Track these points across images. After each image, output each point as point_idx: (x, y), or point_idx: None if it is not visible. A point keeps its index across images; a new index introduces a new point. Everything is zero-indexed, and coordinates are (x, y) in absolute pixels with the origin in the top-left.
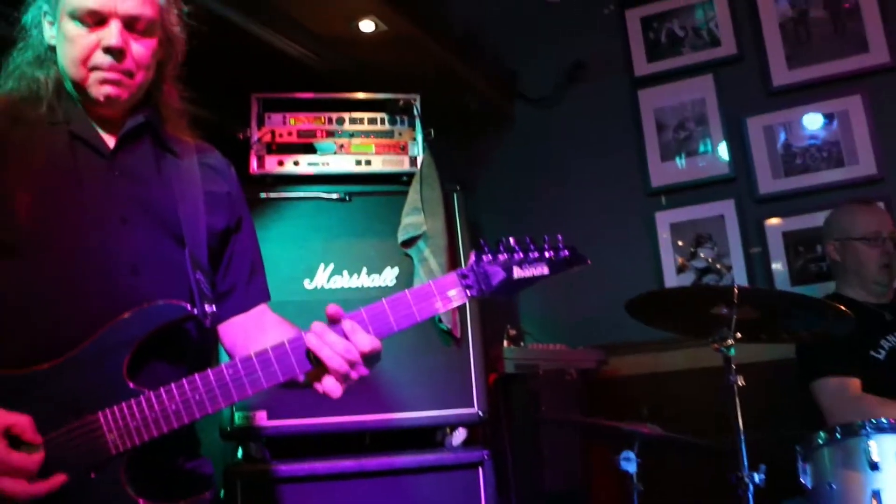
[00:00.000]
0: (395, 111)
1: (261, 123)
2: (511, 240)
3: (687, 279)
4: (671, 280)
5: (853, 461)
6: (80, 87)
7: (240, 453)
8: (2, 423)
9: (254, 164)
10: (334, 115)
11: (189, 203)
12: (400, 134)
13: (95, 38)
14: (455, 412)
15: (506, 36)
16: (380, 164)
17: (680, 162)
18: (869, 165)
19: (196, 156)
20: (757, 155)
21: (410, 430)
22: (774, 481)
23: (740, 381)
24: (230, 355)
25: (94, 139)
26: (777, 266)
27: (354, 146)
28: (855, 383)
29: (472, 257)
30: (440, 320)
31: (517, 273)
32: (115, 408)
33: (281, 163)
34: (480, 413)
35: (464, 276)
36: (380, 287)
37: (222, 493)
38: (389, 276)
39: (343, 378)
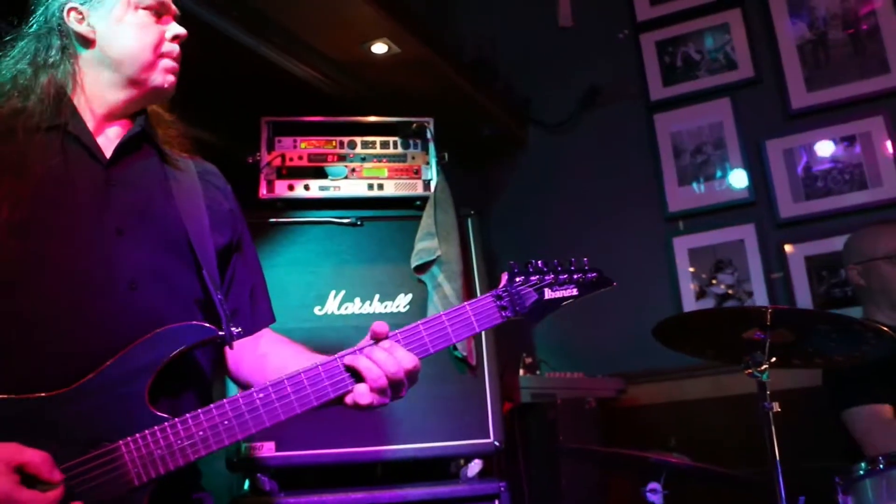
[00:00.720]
0: (408, 134)
1: (270, 147)
2: (539, 262)
3: (706, 306)
4: (690, 307)
5: None
6: (144, 71)
7: (246, 485)
8: (16, 459)
9: (263, 188)
10: (346, 139)
11: (195, 219)
12: (413, 158)
13: (161, 28)
14: (470, 443)
15: (519, 60)
16: (392, 189)
17: (698, 186)
18: (893, 187)
19: (195, 171)
20: (777, 178)
21: (424, 462)
22: None
23: (776, 408)
24: (234, 379)
25: (91, 144)
26: (800, 292)
27: (366, 170)
28: (887, 410)
29: (504, 278)
30: (455, 348)
31: (548, 294)
32: (138, 435)
33: (291, 187)
34: (497, 443)
35: (499, 297)
36: (392, 313)
37: None
38: (402, 302)
39: (381, 394)
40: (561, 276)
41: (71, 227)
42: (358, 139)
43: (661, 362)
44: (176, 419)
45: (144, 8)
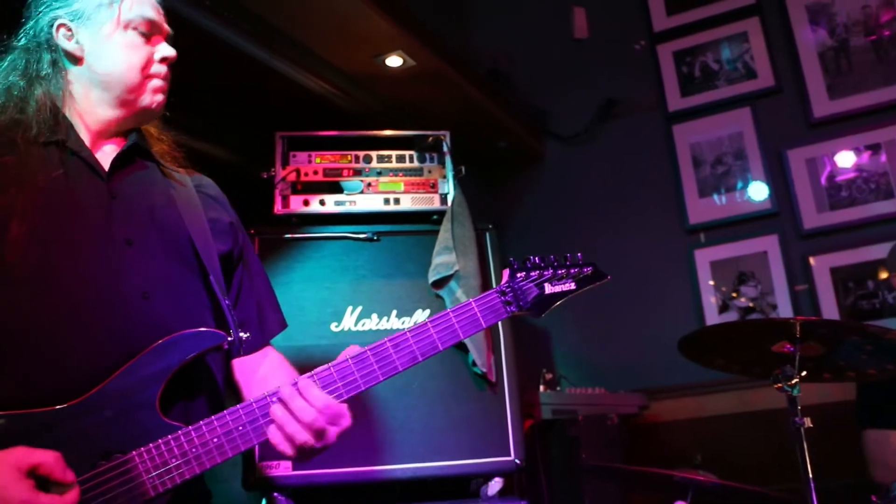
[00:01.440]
0: (425, 148)
1: (285, 162)
2: (537, 258)
3: (729, 319)
4: (713, 320)
5: None
6: (132, 92)
7: None
8: (26, 463)
9: (278, 203)
10: (361, 153)
11: (198, 228)
12: (429, 171)
13: (150, 49)
14: (490, 461)
15: (536, 73)
16: (409, 203)
17: (719, 198)
18: None
19: (192, 183)
20: (800, 189)
21: (443, 480)
22: None
23: (808, 423)
24: (237, 391)
25: (90, 157)
26: (826, 304)
27: (382, 184)
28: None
29: (506, 275)
30: (474, 364)
31: (548, 289)
32: (151, 445)
33: (306, 202)
34: (517, 461)
35: (503, 293)
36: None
37: None
38: (420, 317)
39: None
40: (559, 271)
41: (80, 238)
42: (373, 153)
43: (683, 377)
44: (189, 427)
45: (134, 28)
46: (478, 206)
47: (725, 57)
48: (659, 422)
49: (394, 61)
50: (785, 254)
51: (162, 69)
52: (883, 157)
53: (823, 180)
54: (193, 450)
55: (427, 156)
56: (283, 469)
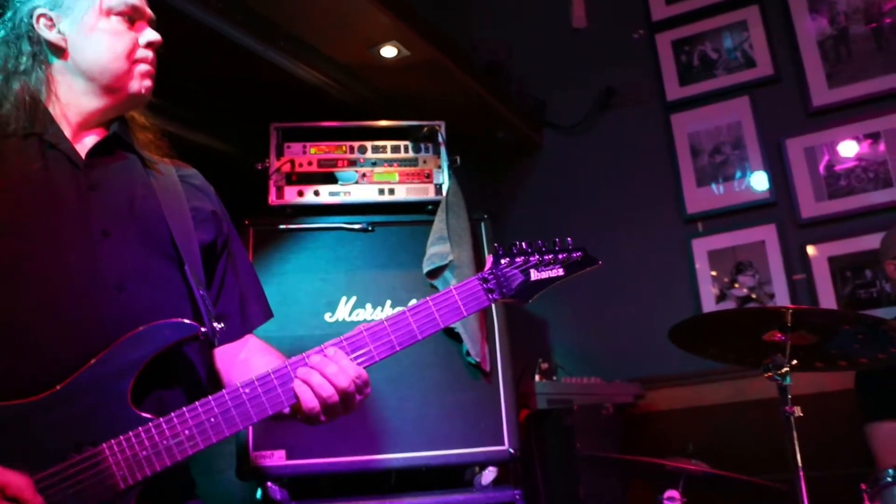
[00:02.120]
0: (420, 139)
1: (280, 153)
2: (524, 243)
3: (727, 308)
4: (710, 310)
5: None
6: (119, 80)
7: (258, 494)
8: None
9: (273, 194)
10: (356, 144)
11: (178, 218)
12: (424, 162)
13: (135, 35)
14: (485, 450)
15: (533, 63)
16: (404, 193)
17: (717, 187)
18: None
19: (175, 173)
20: (798, 178)
21: (438, 470)
22: None
23: (798, 412)
24: (219, 379)
25: (69, 149)
26: (824, 293)
27: (377, 175)
28: None
29: (490, 261)
30: (468, 353)
31: (535, 276)
32: (122, 438)
33: (301, 193)
34: (512, 450)
35: (485, 280)
36: None
37: None
38: None
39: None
40: (546, 257)
41: (56, 229)
42: (368, 144)
43: (679, 367)
44: (161, 419)
45: (117, 14)
46: (475, 197)
47: (724, 46)
48: (655, 411)
49: (389, 52)
50: (783, 243)
51: (148, 54)
52: (882, 146)
53: (822, 169)
54: (164, 441)
55: (422, 146)
56: (276, 459)
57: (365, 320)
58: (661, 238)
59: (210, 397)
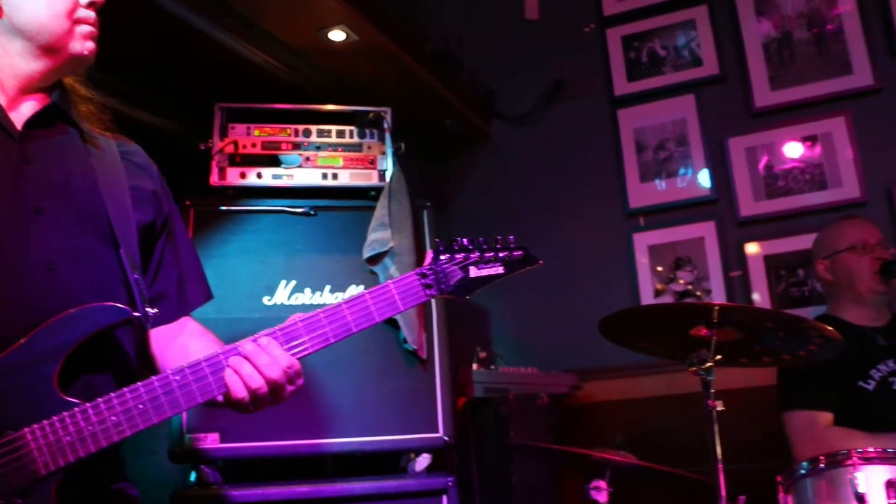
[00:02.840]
0: (365, 124)
1: (223, 134)
2: (465, 240)
3: (665, 303)
4: (648, 303)
5: (838, 493)
6: (59, 40)
7: (192, 477)
8: None
9: (215, 175)
10: (301, 127)
11: (115, 197)
12: (369, 148)
13: None
14: (419, 437)
15: (484, 53)
16: (347, 178)
17: (659, 183)
18: (853, 188)
19: (117, 149)
20: (738, 177)
21: (375, 456)
22: None
23: (719, 406)
24: (153, 363)
25: (3, 118)
26: (759, 290)
27: (321, 159)
28: (826, 418)
29: (429, 256)
30: (405, 341)
31: (474, 273)
32: (45, 422)
33: (243, 175)
34: (446, 438)
35: (423, 276)
36: None
37: None
38: (354, 293)
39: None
40: (486, 254)
41: None
42: (313, 128)
43: (617, 359)
44: (87, 404)
45: None
46: (420, 185)
47: (673, 44)
48: (591, 402)
49: (337, 35)
50: (721, 240)
51: (90, 14)
52: (819, 149)
53: (762, 169)
54: (90, 427)
55: (367, 132)
56: (211, 441)
57: (304, 304)
58: (604, 231)
59: (139, 384)
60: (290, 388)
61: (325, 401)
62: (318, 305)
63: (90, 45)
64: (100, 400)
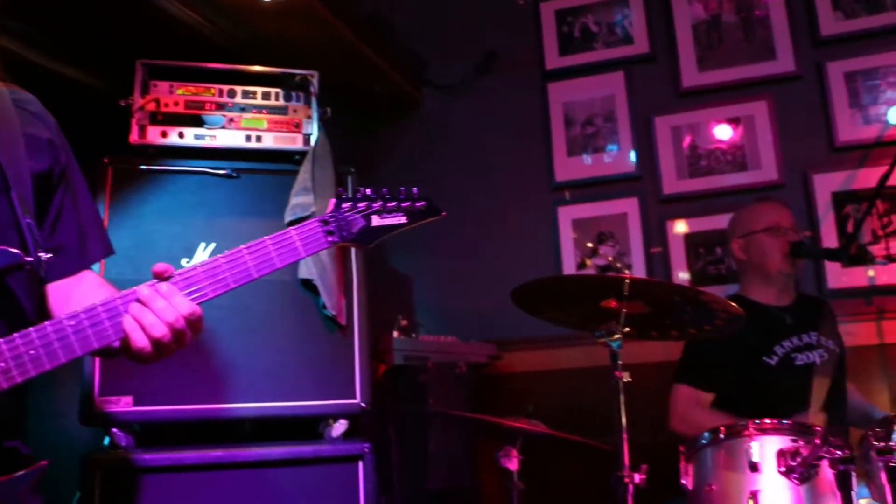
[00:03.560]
0: (291, 87)
1: (145, 91)
2: (369, 190)
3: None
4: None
5: (734, 462)
6: None
7: (106, 441)
8: None
9: (135, 133)
10: (225, 88)
11: (6, 142)
12: (294, 111)
13: None
14: (336, 403)
15: (417, 21)
16: (271, 141)
17: (586, 158)
18: (771, 170)
19: (10, 97)
20: (663, 155)
21: (295, 422)
22: (658, 483)
23: (626, 378)
24: (50, 317)
25: None
26: (678, 267)
27: (245, 121)
28: (705, 398)
29: (332, 204)
30: (324, 306)
31: (376, 221)
32: None
33: (164, 134)
34: (362, 404)
35: (325, 223)
36: None
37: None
38: None
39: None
40: (389, 204)
41: None
42: (238, 88)
43: (537, 331)
44: None
45: None
46: (349, 150)
47: (605, 20)
48: (510, 372)
49: None
50: (644, 216)
51: None
52: (741, 131)
53: (686, 148)
54: None
55: (293, 95)
56: (123, 405)
57: None
58: (529, 204)
59: (31, 329)
60: (190, 334)
61: (242, 365)
62: None
63: None
64: None
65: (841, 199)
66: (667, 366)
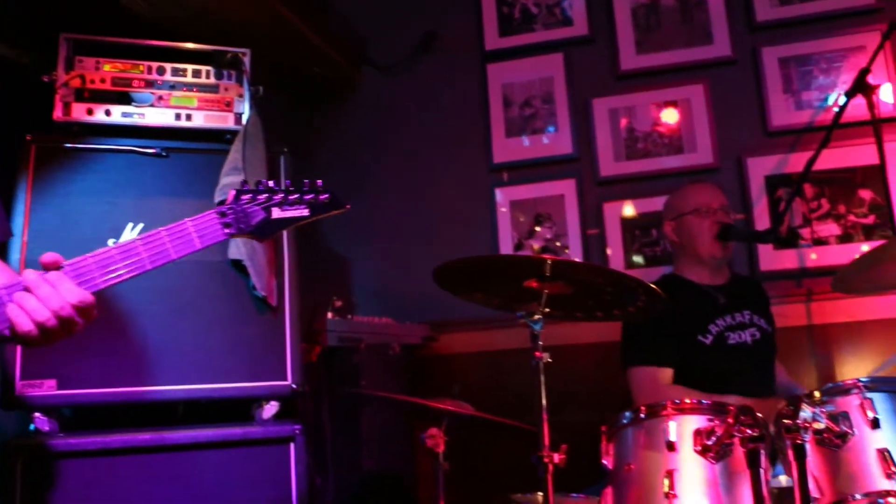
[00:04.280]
0: (223, 65)
1: (70, 67)
2: (271, 182)
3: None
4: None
5: (653, 441)
6: None
7: (32, 427)
8: None
9: (59, 110)
10: (155, 65)
11: None
12: (226, 90)
13: None
14: (267, 384)
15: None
16: (202, 120)
17: (524, 139)
18: (706, 154)
19: None
20: (601, 137)
21: (228, 404)
22: (581, 463)
23: (546, 358)
24: None
25: None
26: (614, 249)
27: (175, 99)
28: (666, 374)
29: (231, 195)
30: (254, 287)
31: (276, 213)
32: None
33: (90, 111)
34: (294, 386)
35: (223, 214)
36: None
37: None
38: None
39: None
40: (291, 196)
41: None
42: (168, 66)
43: (473, 312)
44: None
45: None
46: (286, 130)
47: (545, 2)
48: (446, 354)
49: None
50: (581, 198)
51: None
52: (677, 115)
53: (623, 131)
54: None
55: (225, 73)
56: (46, 388)
57: None
58: (468, 185)
59: None
60: (81, 321)
61: (171, 347)
62: None
63: None
64: None
65: (774, 183)
66: (601, 347)
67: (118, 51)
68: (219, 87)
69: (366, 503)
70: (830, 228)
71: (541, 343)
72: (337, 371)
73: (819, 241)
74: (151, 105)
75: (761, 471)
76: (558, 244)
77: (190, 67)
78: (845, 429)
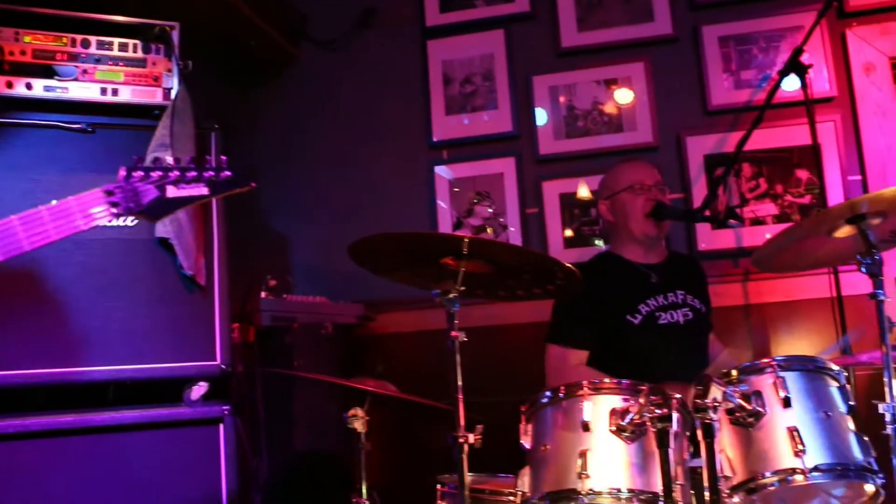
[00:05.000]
0: (150, 39)
1: None
2: (169, 159)
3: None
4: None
5: (569, 421)
6: None
7: None
8: None
9: None
10: (79, 37)
11: None
12: (154, 64)
13: None
14: (195, 365)
15: None
16: (128, 95)
17: (464, 117)
18: (646, 132)
19: None
20: (540, 115)
21: (159, 385)
22: (502, 444)
23: (462, 337)
24: None
25: None
26: (552, 227)
27: (100, 73)
28: (578, 356)
29: (122, 173)
30: (182, 266)
31: (171, 192)
32: None
33: (10, 84)
34: (223, 366)
35: (110, 193)
36: (119, 227)
37: None
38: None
39: None
40: (189, 174)
41: None
42: (93, 38)
43: (410, 292)
44: None
45: None
46: (219, 106)
47: None
48: (382, 333)
49: None
50: (520, 177)
51: None
52: (618, 93)
53: (563, 109)
54: None
55: (153, 47)
56: None
57: None
58: (407, 162)
59: None
60: None
61: (96, 327)
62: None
63: None
64: None
65: (712, 162)
66: (538, 326)
67: (40, 21)
68: (146, 61)
69: (299, 483)
70: (768, 208)
71: (456, 322)
72: (270, 351)
73: (757, 221)
74: (75, 79)
75: (670, 451)
76: (498, 222)
77: (116, 41)
78: (758, 408)
